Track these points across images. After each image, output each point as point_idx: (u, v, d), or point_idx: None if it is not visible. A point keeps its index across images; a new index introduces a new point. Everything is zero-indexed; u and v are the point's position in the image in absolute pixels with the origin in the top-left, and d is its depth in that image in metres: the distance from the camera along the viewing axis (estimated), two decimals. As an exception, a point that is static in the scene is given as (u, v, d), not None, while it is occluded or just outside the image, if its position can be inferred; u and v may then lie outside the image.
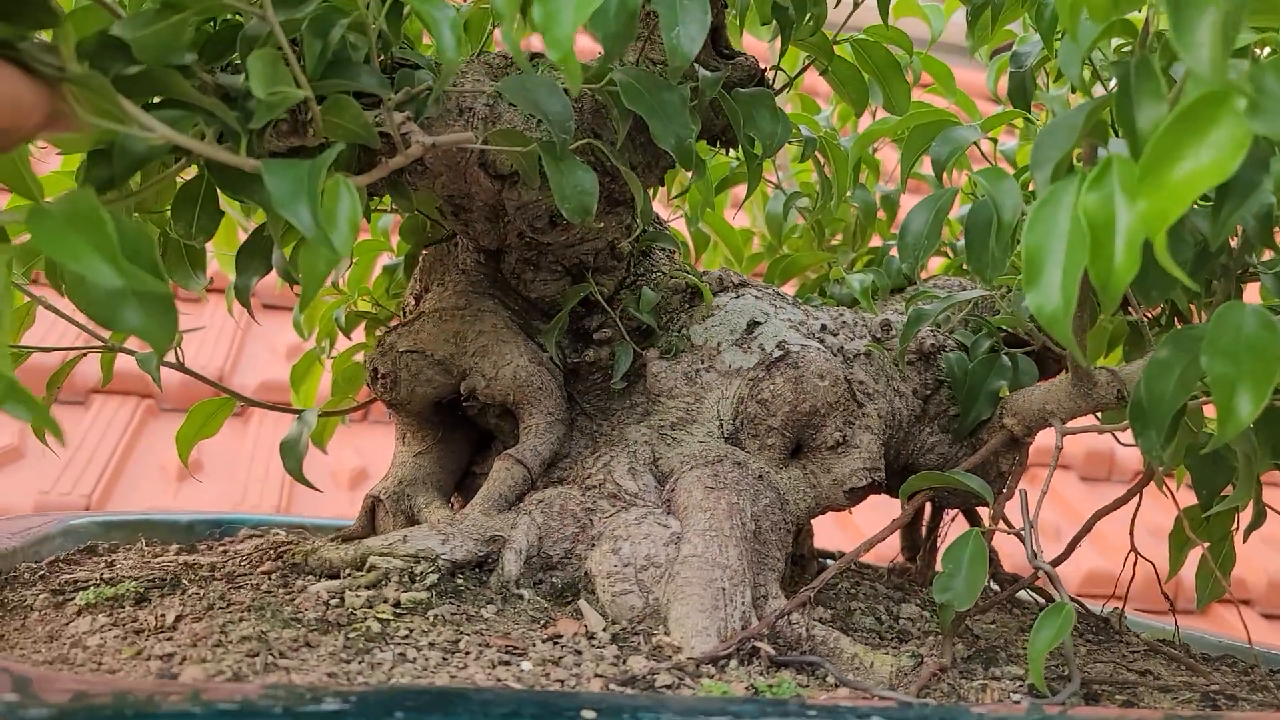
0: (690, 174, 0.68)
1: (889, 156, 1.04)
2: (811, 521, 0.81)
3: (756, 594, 0.65)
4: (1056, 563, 0.68)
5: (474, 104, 0.66)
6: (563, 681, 0.52)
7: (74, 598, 0.64)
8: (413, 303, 0.84)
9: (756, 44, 0.92)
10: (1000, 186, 0.56)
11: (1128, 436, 0.60)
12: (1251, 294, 0.71)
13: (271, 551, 0.76)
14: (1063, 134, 0.50)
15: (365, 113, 0.55)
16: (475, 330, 0.77)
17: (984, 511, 0.88)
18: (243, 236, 0.91)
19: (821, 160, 0.88)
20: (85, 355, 0.81)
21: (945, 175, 0.66)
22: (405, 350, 0.78)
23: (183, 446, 0.89)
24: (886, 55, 0.81)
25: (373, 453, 1.63)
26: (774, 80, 0.79)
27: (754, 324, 0.77)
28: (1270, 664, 0.82)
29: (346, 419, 0.98)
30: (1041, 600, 0.86)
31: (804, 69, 0.85)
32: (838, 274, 0.90)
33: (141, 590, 0.64)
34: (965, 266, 0.84)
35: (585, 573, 0.66)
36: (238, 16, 0.54)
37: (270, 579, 0.67)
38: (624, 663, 0.55)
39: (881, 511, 1.08)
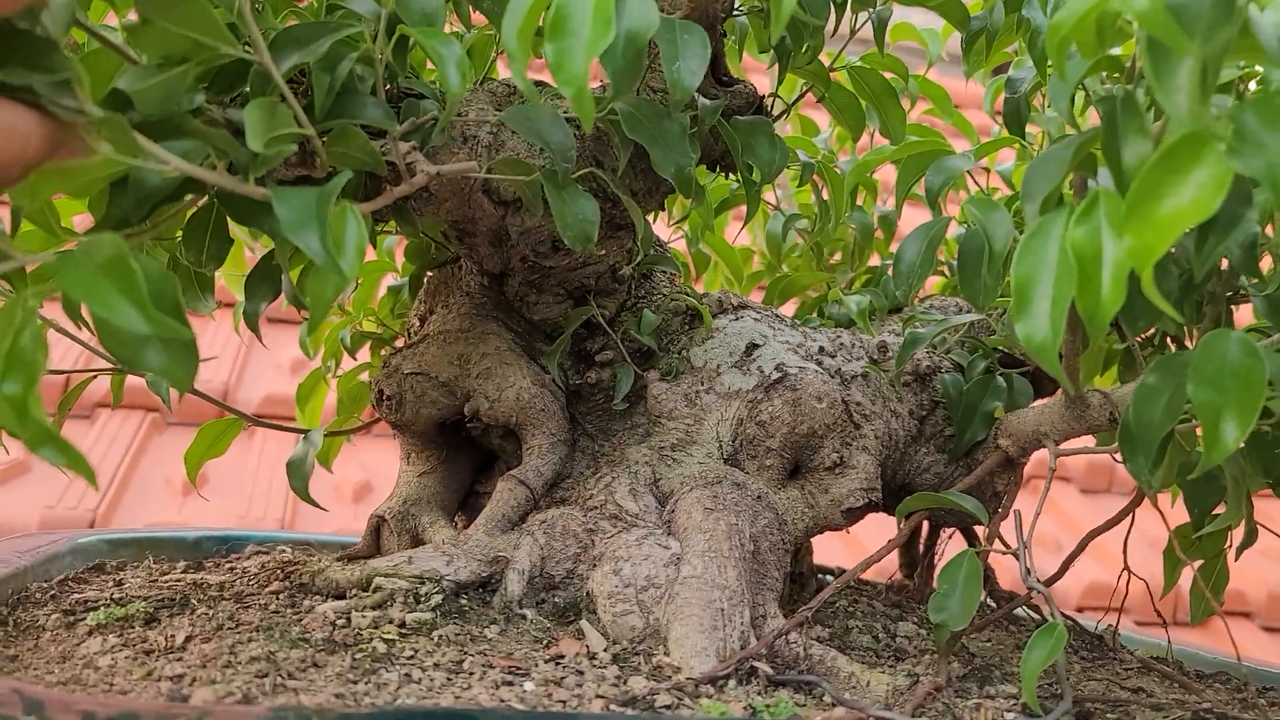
0: (691, 200, 0.69)
1: (887, 174, 1.06)
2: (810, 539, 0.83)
3: (755, 614, 0.66)
4: (1052, 581, 0.69)
5: (478, 132, 0.67)
6: (565, 702, 0.53)
7: (85, 618, 0.65)
8: (417, 324, 0.85)
9: (755, 65, 0.93)
10: (992, 216, 0.58)
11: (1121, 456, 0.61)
12: (1245, 314, 0.72)
13: (279, 570, 0.77)
14: (1052, 167, 0.51)
15: (371, 141, 0.57)
16: (479, 352, 0.78)
17: (981, 530, 0.89)
18: (250, 258, 0.93)
19: (819, 183, 0.90)
20: (95, 377, 0.82)
21: (940, 203, 0.68)
22: (410, 372, 0.79)
23: (191, 466, 0.90)
24: (883, 82, 0.82)
25: (376, 467, 1.64)
26: (772, 106, 0.81)
27: (753, 346, 0.78)
28: (1263, 681, 0.83)
29: (351, 438, 0.99)
30: (1038, 617, 0.87)
31: (801, 96, 0.87)
32: (836, 295, 0.91)
33: (151, 610, 0.65)
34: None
35: (587, 593, 0.67)
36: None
37: (278, 599, 0.68)
38: (625, 683, 0.57)
39: (882, 527, 1.09)
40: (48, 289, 0.40)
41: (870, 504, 0.76)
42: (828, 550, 1.46)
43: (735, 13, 0.80)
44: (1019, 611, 0.90)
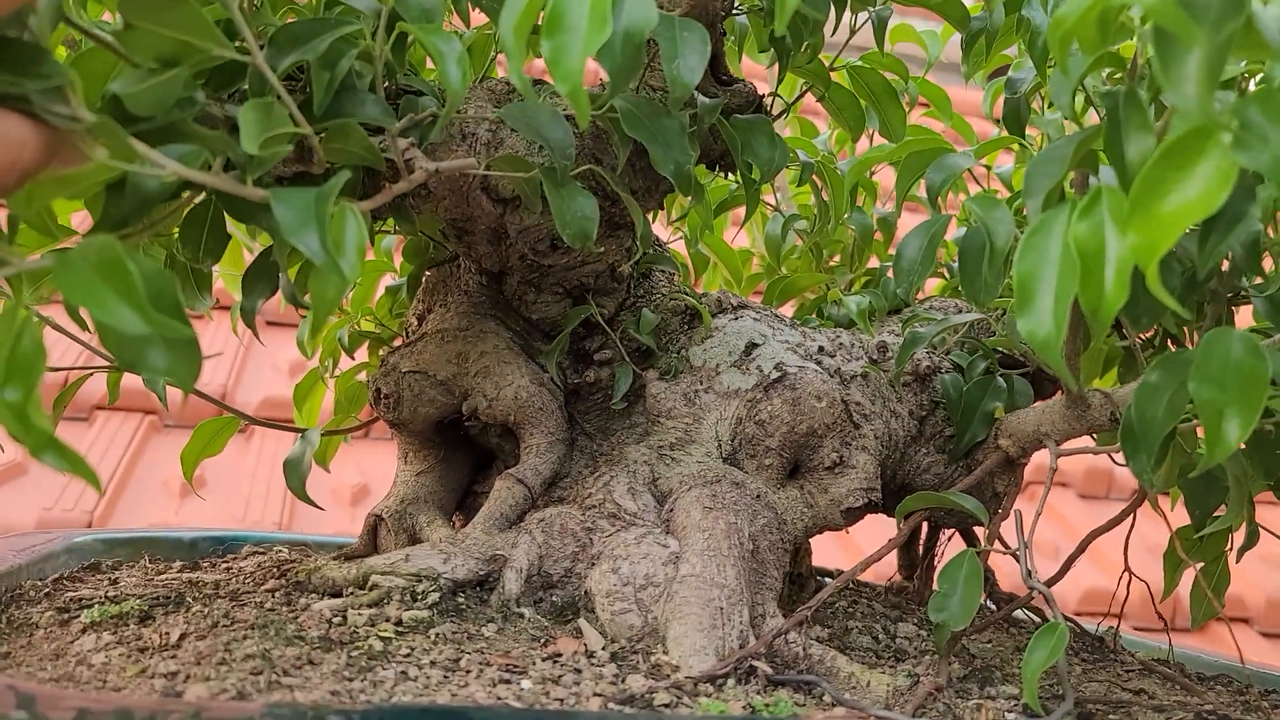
0: (689, 198, 0.69)
1: (886, 177, 1.06)
2: (810, 539, 0.82)
3: (754, 613, 0.65)
4: (1051, 583, 0.69)
5: (477, 130, 0.67)
6: (562, 700, 0.53)
7: (79, 615, 0.65)
8: (415, 323, 0.85)
9: (754, 67, 0.93)
10: (993, 214, 0.57)
11: (1122, 457, 0.61)
12: (1245, 316, 0.72)
13: (275, 569, 0.76)
14: (1053, 164, 0.51)
15: (370, 138, 0.56)
16: (477, 351, 0.78)
17: (981, 531, 0.89)
18: (247, 256, 0.92)
19: (819, 184, 0.90)
20: (91, 375, 0.82)
21: (940, 201, 0.67)
22: (408, 371, 0.79)
23: (187, 465, 0.90)
24: (882, 82, 0.82)
25: (374, 469, 1.64)
26: (771, 105, 0.80)
27: (752, 345, 0.78)
28: (1266, 684, 0.82)
29: (348, 438, 0.99)
30: (1038, 619, 0.86)
31: (801, 95, 0.87)
32: (835, 296, 0.91)
33: (146, 608, 0.65)
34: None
35: (585, 591, 0.67)
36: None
37: (274, 597, 0.67)
38: (623, 681, 0.56)
39: (881, 528, 1.09)
40: (47, 293, 0.39)
41: (870, 504, 0.75)
42: (825, 553, 1.46)
43: (735, 12, 0.80)
44: (1018, 614, 0.89)
